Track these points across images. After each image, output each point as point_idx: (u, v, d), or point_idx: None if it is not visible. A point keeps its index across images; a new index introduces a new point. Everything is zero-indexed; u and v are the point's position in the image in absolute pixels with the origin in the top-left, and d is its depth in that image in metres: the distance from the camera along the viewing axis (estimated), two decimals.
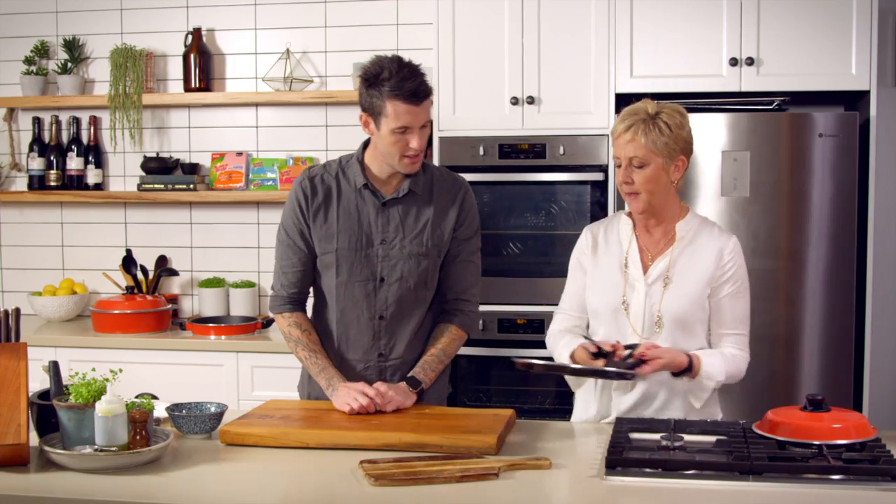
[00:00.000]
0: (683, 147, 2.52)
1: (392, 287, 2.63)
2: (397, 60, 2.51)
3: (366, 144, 2.67)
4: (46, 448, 2.11)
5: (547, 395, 3.77)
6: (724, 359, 2.48)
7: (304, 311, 2.72)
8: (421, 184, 2.66)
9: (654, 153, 2.46)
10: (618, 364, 2.37)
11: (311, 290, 2.76)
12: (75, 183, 4.55)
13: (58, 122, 4.58)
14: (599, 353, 2.43)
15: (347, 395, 2.47)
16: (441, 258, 2.68)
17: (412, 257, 2.63)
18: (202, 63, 4.40)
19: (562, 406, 3.55)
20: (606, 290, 2.56)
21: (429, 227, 2.64)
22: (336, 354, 2.68)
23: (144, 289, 4.40)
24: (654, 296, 2.51)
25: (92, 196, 4.50)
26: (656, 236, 2.57)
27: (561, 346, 2.59)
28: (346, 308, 2.65)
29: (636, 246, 2.57)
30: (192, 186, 4.37)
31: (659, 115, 2.48)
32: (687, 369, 2.43)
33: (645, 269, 2.54)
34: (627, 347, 2.42)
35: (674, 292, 2.50)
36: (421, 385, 2.58)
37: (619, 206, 3.59)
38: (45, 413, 2.24)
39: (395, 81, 2.47)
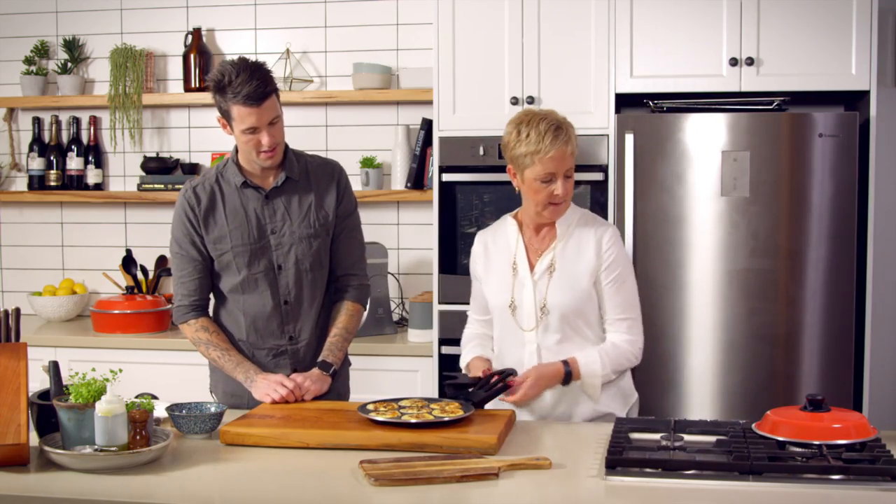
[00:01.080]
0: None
1: (290, 272, 2.77)
2: (239, 65, 2.62)
3: (237, 147, 2.79)
4: (46, 448, 2.11)
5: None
6: (605, 352, 2.60)
7: (208, 316, 2.83)
8: (297, 171, 2.80)
9: (573, 161, 2.60)
10: (482, 391, 2.53)
11: (212, 293, 2.86)
12: (75, 183, 4.55)
13: (58, 122, 4.58)
14: (472, 384, 2.56)
15: (268, 387, 2.61)
16: (330, 237, 2.82)
17: (303, 240, 2.76)
18: (202, 63, 4.41)
19: None
20: (498, 291, 2.70)
21: (313, 210, 2.78)
22: (248, 347, 2.79)
23: (144, 289, 4.40)
24: (540, 289, 2.62)
25: (92, 196, 4.51)
26: (542, 234, 2.69)
27: (465, 352, 2.81)
28: (252, 301, 2.77)
29: (523, 246, 2.69)
30: None
31: (566, 121, 2.61)
32: (567, 377, 2.58)
33: (532, 266, 2.66)
34: (501, 373, 2.56)
35: (558, 284, 2.62)
36: (333, 367, 2.73)
37: (619, 206, 3.60)
38: (45, 413, 2.24)
39: (234, 86, 2.59)
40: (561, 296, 2.60)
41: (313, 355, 2.81)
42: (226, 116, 2.67)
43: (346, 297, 2.86)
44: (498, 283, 2.70)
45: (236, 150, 2.80)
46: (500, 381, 2.54)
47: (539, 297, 2.62)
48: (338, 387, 2.81)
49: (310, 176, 2.82)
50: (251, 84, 2.58)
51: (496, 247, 2.74)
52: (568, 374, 2.57)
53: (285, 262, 2.76)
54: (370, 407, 2.43)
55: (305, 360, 2.80)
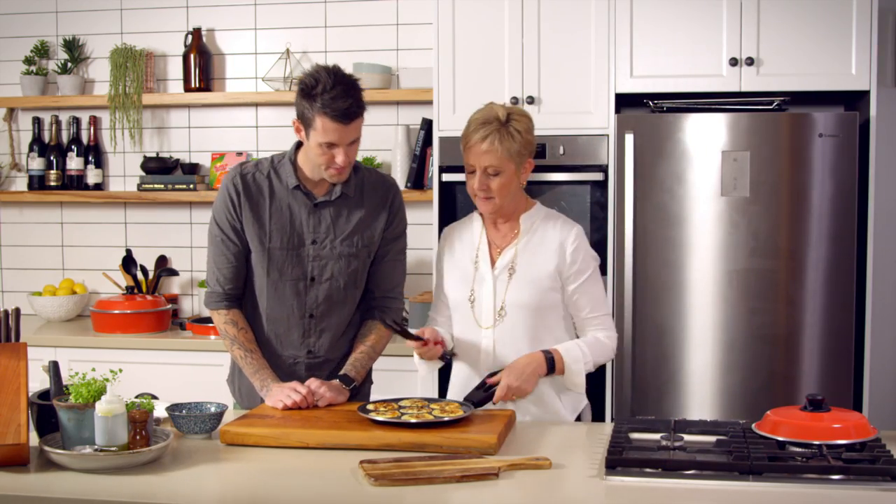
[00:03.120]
0: (531, 150, 2.62)
1: (322, 286, 2.69)
2: (334, 75, 2.52)
3: (299, 144, 2.70)
4: (46, 448, 2.11)
5: None
6: (585, 343, 2.59)
7: (240, 308, 2.75)
8: (353, 186, 2.71)
9: (507, 160, 2.55)
10: (481, 392, 2.54)
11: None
12: (75, 183, 4.55)
13: (58, 122, 4.58)
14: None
15: (280, 393, 2.53)
16: (371, 258, 2.74)
17: (343, 258, 2.69)
18: (202, 63, 4.41)
19: None
20: (458, 284, 2.69)
21: (359, 229, 2.70)
22: (266, 349, 2.73)
23: (144, 289, 4.40)
24: (500, 286, 2.62)
25: (92, 196, 4.51)
26: (503, 231, 2.69)
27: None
28: (277, 306, 2.70)
29: (486, 241, 2.69)
30: (192, 186, 4.37)
31: (510, 121, 2.57)
32: (551, 368, 2.54)
33: (493, 262, 2.65)
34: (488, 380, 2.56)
35: (517, 282, 2.61)
36: (354, 383, 2.66)
37: (619, 206, 3.60)
38: (45, 413, 2.24)
39: (327, 98, 2.48)
40: (520, 294, 2.60)
41: (332, 372, 2.75)
42: (305, 123, 2.56)
43: (380, 318, 2.76)
44: (459, 277, 2.69)
45: (296, 150, 2.70)
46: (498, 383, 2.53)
47: (499, 295, 2.62)
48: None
49: (364, 192, 2.72)
50: (345, 101, 2.49)
51: (461, 241, 2.73)
52: (550, 360, 2.54)
53: (320, 275, 2.68)
54: (370, 407, 2.43)
55: (322, 376, 2.71)
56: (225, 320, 2.70)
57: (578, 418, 2.71)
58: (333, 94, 2.48)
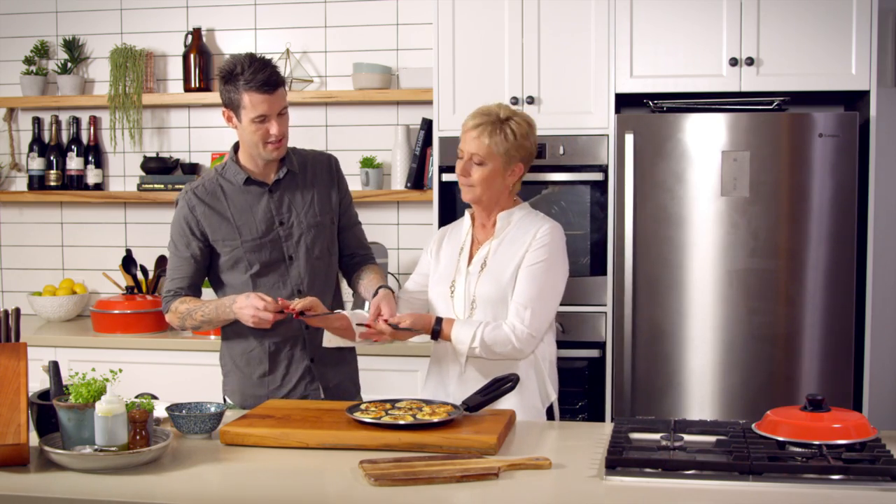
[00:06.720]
0: (524, 156, 2.67)
1: (301, 261, 2.80)
2: (249, 56, 2.70)
3: (236, 147, 2.82)
4: (46, 448, 2.11)
5: None
6: (483, 327, 2.57)
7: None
8: (296, 164, 2.85)
9: (494, 155, 2.62)
10: (479, 396, 2.47)
11: (220, 290, 2.85)
12: (75, 183, 4.55)
13: (58, 122, 4.59)
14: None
15: (247, 308, 2.60)
16: (335, 226, 2.89)
17: (311, 229, 2.81)
18: (202, 63, 4.41)
19: (562, 407, 3.54)
20: (442, 278, 2.75)
21: (316, 200, 2.84)
22: (263, 335, 2.78)
23: (144, 289, 4.40)
24: (472, 280, 2.68)
25: (92, 196, 4.51)
26: (487, 228, 2.74)
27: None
28: (265, 292, 2.74)
29: (471, 239, 2.76)
30: None
31: (508, 121, 2.64)
32: (435, 334, 2.61)
33: (471, 258, 2.72)
34: (503, 379, 2.52)
35: (487, 276, 2.66)
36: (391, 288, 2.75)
37: (619, 206, 3.60)
38: (45, 413, 2.24)
39: (248, 74, 2.65)
40: (487, 288, 2.65)
41: (319, 345, 2.79)
42: (234, 107, 2.70)
43: (369, 263, 2.93)
44: (443, 271, 2.76)
45: (235, 150, 2.81)
46: (499, 387, 2.50)
47: (470, 289, 2.67)
48: (346, 380, 2.89)
49: (307, 168, 2.86)
50: (265, 72, 2.65)
51: (450, 240, 2.81)
52: (436, 332, 2.61)
53: (296, 251, 2.79)
54: (362, 406, 2.43)
55: (322, 346, 2.79)
56: (175, 307, 2.78)
57: (549, 409, 2.74)
58: (252, 70, 2.65)
